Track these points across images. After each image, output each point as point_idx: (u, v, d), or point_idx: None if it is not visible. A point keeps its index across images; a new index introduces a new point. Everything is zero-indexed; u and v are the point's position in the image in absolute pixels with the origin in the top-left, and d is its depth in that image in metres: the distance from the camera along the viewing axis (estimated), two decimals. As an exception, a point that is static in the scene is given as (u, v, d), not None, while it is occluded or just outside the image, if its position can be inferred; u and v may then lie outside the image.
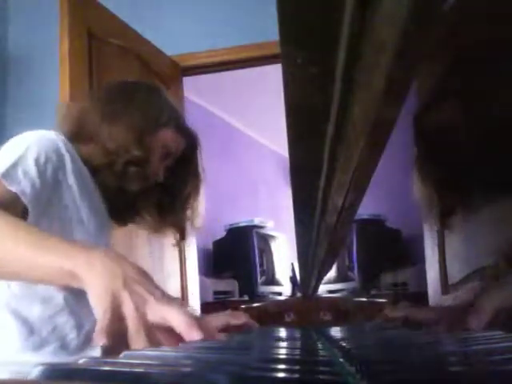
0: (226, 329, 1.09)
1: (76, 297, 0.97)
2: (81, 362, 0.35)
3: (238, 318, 1.15)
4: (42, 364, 0.31)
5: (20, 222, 0.83)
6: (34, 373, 0.30)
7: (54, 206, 0.97)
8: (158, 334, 0.64)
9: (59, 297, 0.97)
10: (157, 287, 0.66)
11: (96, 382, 0.29)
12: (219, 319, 1.13)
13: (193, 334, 0.60)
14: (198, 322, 0.62)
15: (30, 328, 0.94)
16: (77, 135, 1.09)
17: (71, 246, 0.72)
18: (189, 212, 1.24)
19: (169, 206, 1.21)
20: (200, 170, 1.26)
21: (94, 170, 1.08)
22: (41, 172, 0.94)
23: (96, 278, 0.64)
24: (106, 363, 0.34)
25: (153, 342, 0.60)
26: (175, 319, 0.61)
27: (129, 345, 0.60)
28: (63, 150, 1.00)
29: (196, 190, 1.24)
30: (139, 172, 1.10)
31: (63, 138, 1.04)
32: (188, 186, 1.22)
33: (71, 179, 1.01)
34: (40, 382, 0.30)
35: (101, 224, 1.09)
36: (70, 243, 0.74)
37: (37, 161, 0.94)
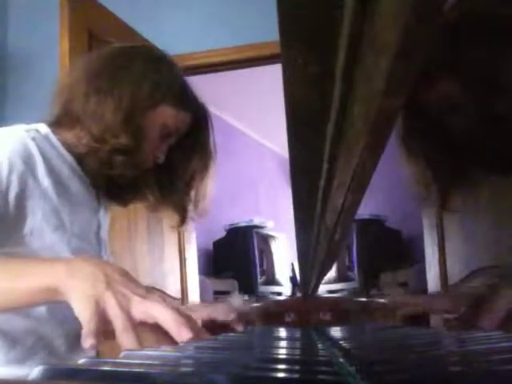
0: (209, 324, 1.05)
1: (61, 304, 0.90)
2: (81, 361, 0.35)
3: (223, 315, 1.08)
4: (43, 364, 0.31)
5: None
6: (34, 373, 0.30)
7: (23, 225, 0.86)
8: (147, 331, 0.64)
9: (42, 309, 0.90)
10: (140, 286, 0.65)
11: (96, 382, 0.29)
12: (202, 313, 1.08)
13: (182, 333, 0.59)
14: (185, 318, 0.61)
15: (12, 341, 0.88)
16: (62, 119, 0.97)
17: (49, 263, 0.70)
18: (193, 193, 1.08)
19: (170, 184, 1.06)
20: (210, 146, 1.08)
21: (79, 158, 0.97)
22: (2, 192, 0.82)
23: (78, 286, 0.63)
24: (105, 363, 0.34)
25: (141, 339, 0.60)
26: (161, 316, 0.61)
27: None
28: (33, 150, 0.89)
29: (204, 168, 1.07)
30: (126, 161, 0.95)
31: (36, 131, 0.93)
32: (193, 163, 1.06)
33: (45, 182, 0.89)
34: (40, 382, 0.30)
35: (88, 219, 0.99)
36: (46, 261, 0.73)
37: None
